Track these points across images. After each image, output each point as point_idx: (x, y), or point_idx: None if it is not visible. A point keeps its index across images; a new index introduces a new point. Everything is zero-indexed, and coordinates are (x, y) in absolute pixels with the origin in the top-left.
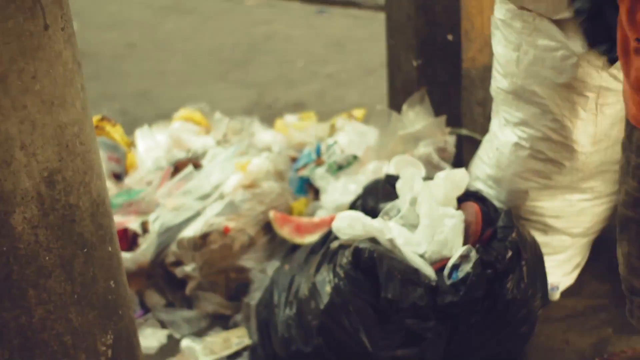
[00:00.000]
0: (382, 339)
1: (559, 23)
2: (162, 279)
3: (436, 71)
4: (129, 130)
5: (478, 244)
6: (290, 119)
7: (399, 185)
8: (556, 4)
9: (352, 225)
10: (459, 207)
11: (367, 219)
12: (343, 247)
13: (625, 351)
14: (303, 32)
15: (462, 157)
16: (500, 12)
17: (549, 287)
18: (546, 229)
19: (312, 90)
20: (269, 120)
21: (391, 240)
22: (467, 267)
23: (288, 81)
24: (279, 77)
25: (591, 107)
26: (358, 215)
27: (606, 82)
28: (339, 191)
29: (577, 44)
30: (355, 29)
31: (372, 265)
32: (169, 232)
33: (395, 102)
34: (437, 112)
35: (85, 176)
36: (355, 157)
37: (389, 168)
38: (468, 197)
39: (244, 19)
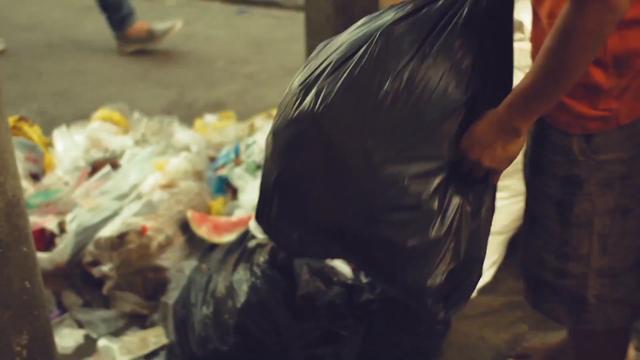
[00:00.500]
0: (299, 338)
1: None
2: (80, 279)
3: None
4: (47, 130)
5: None
6: (209, 119)
7: None
8: None
9: None
10: None
11: None
12: (260, 246)
13: (538, 347)
14: (223, 32)
15: None
16: None
17: None
18: None
19: (232, 90)
20: (188, 120)
21: None
22: None
23: (208, 81)
24: (199, 77)
25: None
26: None
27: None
28: (257, 191)
29: None
30: (276, 29)
31: (289, 264)
32: (87, 232)
33: None
34: None
35: None
36: None
37: None
38: None
39: (164, 19)
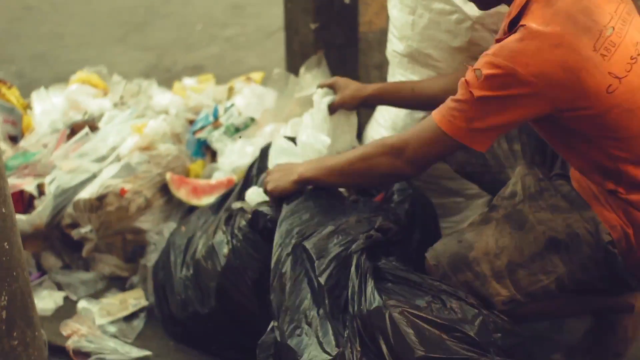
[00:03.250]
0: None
1: None
2: (59, 241)
3: (333, 34)
4: (26, 93)
5: None
6: (188, 82)
7: (271, 152)
8: None
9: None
10: None
11: None
12: (243, 210)
13: None
14: None
15: (359, 119)
16: None
17: None
18: (442, 190)
19: (211, 53)
20: (167, 83)
21: None
22: None
23: (187, 44)
24: (178, 40)
25: None
26: None
27: None
28: (236, 153)
29: (471, 8)
30: None
31: (271, 228)
32: (65, 194)
33: (293, 65)
34: (334, 75)
35: None
36: (252, 120)
37: (286, 130)
38: None
39: None
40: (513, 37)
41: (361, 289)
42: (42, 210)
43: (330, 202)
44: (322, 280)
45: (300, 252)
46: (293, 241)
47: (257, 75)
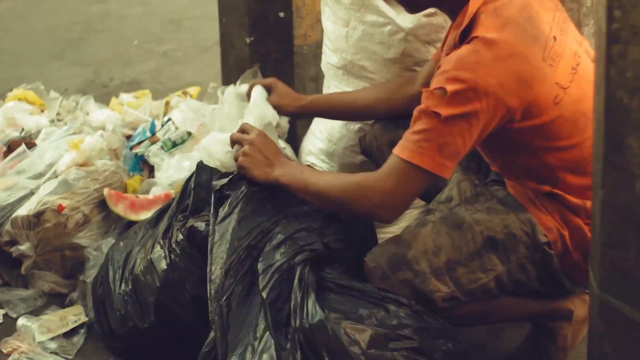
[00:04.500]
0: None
1: None
2: None
3: (269, 48)
4: None
5: None
6: (125, 97)
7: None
8: None
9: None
10: None
11: None
12: (179, 223)
13: None
14: (138, 10)
15: (295, 132)
16: None
17: None
18: None
19: (148, 68)
20: (104, 99)
21: None
22: None
23: (124, 60)
24: (115, 55)
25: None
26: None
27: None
28: (173, 168)
29: (404, 19)
30: (191, 7)
31: (207, 243)
32: (3, 212)
33: (229, 79)
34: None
35: None
36: (189, 134)
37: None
38: None
39: None
40: (468, 49)
41: (303, 301)
42: None
43: (286, 204)
44: (264, 294)
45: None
46: (242, 255)
47: (193, 90)
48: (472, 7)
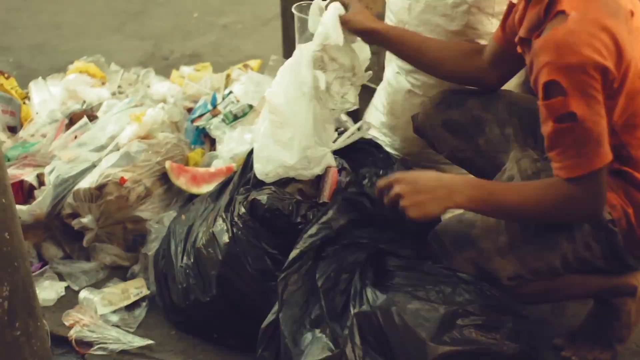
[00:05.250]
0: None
1: None
2: (59, 231)
3: None
4: (24, 83)
5: None
6: (186, 70)
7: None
8: None
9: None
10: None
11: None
12: (242, 196)
13: None
14: None
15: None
16: None
17: None
18: None
19: (208, 41)
20: (165, 72)
21: None
22: None
23: (184, 32)
24: (175, 28)
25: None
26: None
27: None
28: (234, 141)
29: None
30: None
31: (270, 217)
32: (65, 184)
33: (290, 52)
34: None
35: None
36: (250, 107)
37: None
38: (364, 145)
39: None
40: (561, 31)
41: (362, 290)
42: (42, 200)
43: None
44: (319, 282)
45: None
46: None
47: (254, 63)
48: None
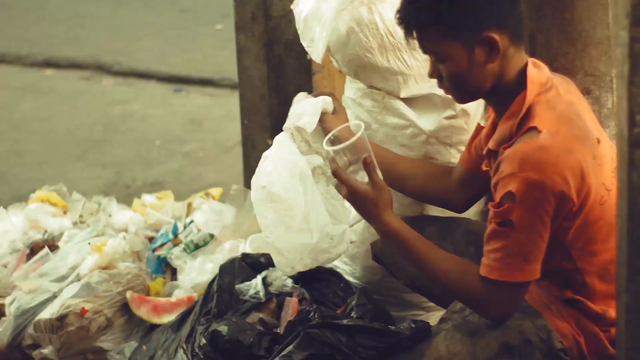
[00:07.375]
0: None
1: (408, 101)
2: None
3: None
4: None
5: None
6: (147, 198)
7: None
8: (405, 83)
9: None
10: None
11: None
12: (202, 326)
13: None
14: (160, 110)
15: None
16: (350, 91)
17: None
18: (402, 304)
19: (170, 169)
20: (126, 200)
21: None
22: None
23: (146, 161)
24: (137, 156)
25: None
26: None
27: (455, 158)
28: (195, 270)
29: (425, 122)
30: (212, 108)
31: (230, 348)
32: (26, 315)
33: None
34: None
35: None
36: (211, 236)
37: (245, 247)
38: (324, 274)
39: (101, 99)
40: (529, 146)
41: None
42: (3, 331)
43: None
44: None
45: None
46: None
47: (215, 191)
48: (529, 97)
